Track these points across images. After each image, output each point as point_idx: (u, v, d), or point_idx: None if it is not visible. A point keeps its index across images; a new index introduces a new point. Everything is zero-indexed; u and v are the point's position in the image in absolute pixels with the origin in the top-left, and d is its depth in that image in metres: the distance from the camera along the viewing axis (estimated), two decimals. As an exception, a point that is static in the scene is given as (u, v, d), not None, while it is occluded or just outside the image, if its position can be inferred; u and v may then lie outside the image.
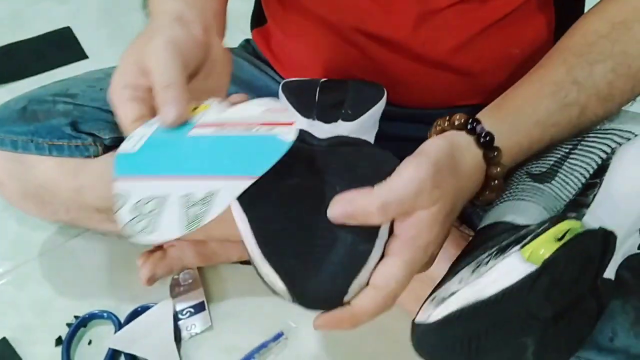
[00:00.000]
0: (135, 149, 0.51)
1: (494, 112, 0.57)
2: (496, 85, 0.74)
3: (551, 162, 0.57)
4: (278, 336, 0.86)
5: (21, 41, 1.40)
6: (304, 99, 0.65)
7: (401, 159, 0.77)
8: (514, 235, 0.50)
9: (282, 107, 0.57)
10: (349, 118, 0.62)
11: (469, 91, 0.75)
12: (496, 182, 0.55)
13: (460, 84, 0.74)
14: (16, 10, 1.49)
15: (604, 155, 0.56)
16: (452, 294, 0.48)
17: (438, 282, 0.53)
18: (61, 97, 0.79)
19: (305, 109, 0.62)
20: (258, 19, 0.88)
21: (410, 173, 0.48)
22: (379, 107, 0.66)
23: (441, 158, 0.50)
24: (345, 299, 0.49)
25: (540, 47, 0.73)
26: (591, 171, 0.56)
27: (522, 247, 0.47)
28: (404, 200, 0.47)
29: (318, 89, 0.67)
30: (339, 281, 0.48)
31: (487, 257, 0.49)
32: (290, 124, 0.49)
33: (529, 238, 0.48)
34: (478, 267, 0.49)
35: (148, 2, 0.64)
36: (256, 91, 0.83)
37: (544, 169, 0.57)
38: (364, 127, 0.63)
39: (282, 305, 0.88)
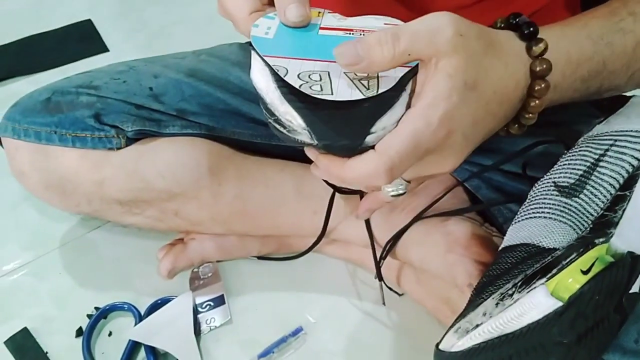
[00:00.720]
0: (270, 36, 0.51)
1: (548, 25, 0.54)
2: None
3: (580, 172, 0.55)
4: (297, 331, 0.86)
5: (42, 33, 1.41)
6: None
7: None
8: (540, 263, 0.49)
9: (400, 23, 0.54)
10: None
11: None
12: (537, 101, 0.51)
13: None
14: (37, 2, 1.50)
15: (635, 162, 0.54)
16: (477, 326, 0.48)
17: (462, 311, 0.52)
18: (85, 89, 0.79)
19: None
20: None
21: (433, 15, 0.45)
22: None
23: (471, 24, 0.47)
24: (369, 140, 0.47)
25: None
26: (621, 181, 0.54)
27: (548, 279, 0.47)
28: (419, 31, 0.44)
29: None
30: (363, 119, 0.46)
31: (512, 287, 0.49)
32: None
33: (554, 270, 0.47)
34: (502, 299, 0.49)
35: None
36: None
37: (572, 180, 0.55)
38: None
39: (301, 300, 0.89)
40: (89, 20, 1.45)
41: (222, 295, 0.89)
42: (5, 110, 0.81)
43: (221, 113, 0.81)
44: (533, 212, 0.54)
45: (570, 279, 0.46)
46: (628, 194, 0.52)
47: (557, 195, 0.54)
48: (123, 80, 0.81)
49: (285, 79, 0.47)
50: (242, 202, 0.83)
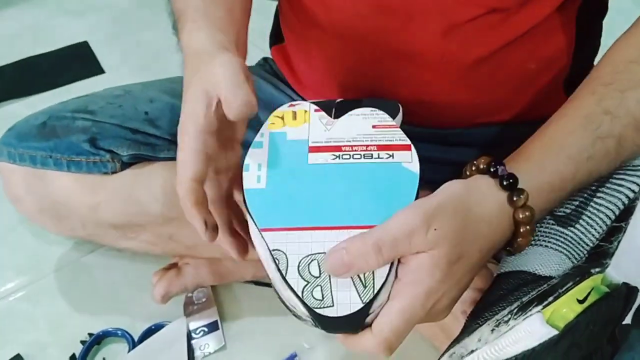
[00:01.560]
0: (263, 184, 0.53)
1: (522, 152, 0.55)
2: (508, 99, 0.74)
3: (576, 203, 0.54)
4: (291, 357, 0.85)
5: (38, 55, 1.42)
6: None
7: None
8: (536, 291, 0.49)
9: (389, 121, 0.57)
10: None
11: (484, 108, 0.75)
12: (527, 227, 0.51)
13: (477, 100, 0.74)
14: (33, 25, 1.52)
15: (631, 195, 0.53)
16: (472, 352, 0.48)
17: (456, 336, 0.52)
18: (80, 114, 0.79)
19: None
20: (277, 37, 0.89)
21: (405, 214, 0.47)
22: (396, 123, 0.65)
23: (445, 202, 0.48)
24: (369, 320, 0.49)
25: (557, 64, 0.73)
26: (617, 212, 0.53)
27: (544, 307, 0.47)
28: (397, 239, 0.47)
29: (334, 111, 0.67)
30: (362, 313, 0.48)
31: (507, 314, 0.49)
32: (408, 146, 0.53)
33: (551, 298, 0.47)
34: (498, 325, 0.49)
35: (179, 33, 0.65)
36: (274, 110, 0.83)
37: (569, 211, 0.54)
38: None
39: (295, 326, 0.87)
40: (86, 42, 1.45)
41: (217, 321, 0.89)
42: (1, 132, 0.81)
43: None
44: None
45: (566, 308, 0.46)
46: (624, 225, 0.52)
47: (553, 224, 0.54)
48: (119, 105, 0.81)
49: (286, 278, 0.49)
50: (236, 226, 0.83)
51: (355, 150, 0.54)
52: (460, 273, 0.50)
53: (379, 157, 0.53)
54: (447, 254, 0.48)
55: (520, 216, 0.51)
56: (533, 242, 0.54)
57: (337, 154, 0.53)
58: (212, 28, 0.60)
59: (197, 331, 0.88)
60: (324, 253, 0.49)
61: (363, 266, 0.47)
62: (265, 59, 0.94)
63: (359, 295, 0.48)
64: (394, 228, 0.47)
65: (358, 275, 0.48)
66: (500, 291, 0.52)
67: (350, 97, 0.73)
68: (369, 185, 0.51)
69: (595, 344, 0.47)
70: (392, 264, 0.48)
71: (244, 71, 0.55)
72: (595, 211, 0.53)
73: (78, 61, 1.41)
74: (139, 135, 0.78)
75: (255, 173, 0.53)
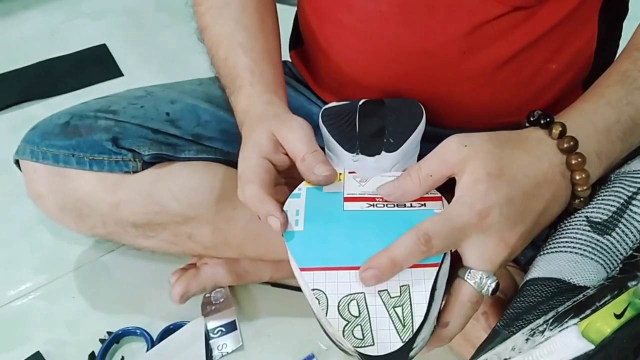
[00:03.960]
0: (301, 227, 0.55)
1: (566, 109, 0.58)
2: (528, 100, 0.74)
3: (613, 209, 0.54)
4: (309, 358, 0.85)
5: (57, 58, 1.43)
6: (344, 131, 0.66)
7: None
8: (572, 301, 0.49)
9: None
10: (391, 148, 0.62)
11: (504, 108, 0.75)
12: (578, 159, 0.53)
13: (497, 100, 0.74)
14: (52, 27, 1.53)
15: None
16: None
17: (486, 340, 0.51)
18: (103, 113, 0.79)
19: (347, 143, 0.63)
20: (296, 41, 0.89)
21: (442, 144, 0.53)
22: (420, 129, 0.65)
23: (481, 134, 0.53)
24: (412, 354, 0.50)
25: (577, 64, 0.73)
26: None
27: (581, 319, 0.47)
28: (432, 158, 0.52)
29: (357, 117, 0.67)
30: (405, 349, 0.49)
31: (543, 323, 0.48)
32: (439, 198, 0.54)
33: (588, 311, 0.47)
34: (533, 334, 0.48)
35: (230, 91, 0.71)
36: (293, 112, 0.84)
37: (605, 217, 0.54)
38: (407, 154, 0.63)
39: (313, 327, 0.87)
40: (104, 45, 1.46)
41: (234, 321, 0.89)
42: (21, 133, 0.82)
43: (236, 138, 0.81)
44: (564, 246, 0.54)
45: (601, 322, 0.46)
46: None
47: (589, 232, 0.54)
48: (140, 105, 0.81)
49: (327, 318, 0.50)
50: (255, 227, 0.83)
51: (389, 202, 0.56)
52: (508, 189, 0.51)
53: (411, 207, 0.55)
54: (486, 166, 0.50)
55: (564, 145, 0.53)
56: (569, 250, 0.53)
57: (371, 203, 0.56)
58: (271, 94, 0.67)
59: (215, 331, 0.88)
60: (363, 293, 0.51)
61: (407, 183, 0.53)
62: (284, 62, 0.94)
63: (398, 335, 0.49)
64: (431, 152, 0.53)
65: (397, 314, 0.50)
66: (534, 298, 0.52)
67: (371, 96, 0.74)
68: (403, 227, 0.51)
69: (622, 355, 0.47)
70: (430, 304, 0.50)
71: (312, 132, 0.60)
72: (630, 219, 0.53)
73: (96, 64, 1.42)
74: (160, 135, 0.79)
75: (293, 217, 0.56)
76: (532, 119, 0.56)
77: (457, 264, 0.53)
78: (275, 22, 0.79)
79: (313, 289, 0.51)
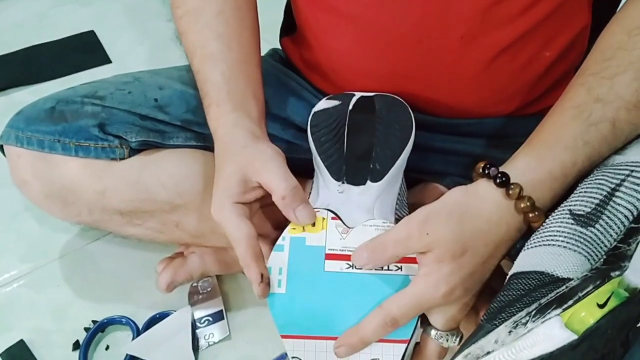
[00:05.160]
0: (283, 289, 0.60)
1: (522, 148, 0.59)
2: (523, 88, 0.74)
3: (596, 201, 0.54)
4: (297, 348, 0.85)
5: (45, 44, 1.42)
6: (332, 150, 0.67)
7: (425, 171, 0.77)
8: (555, 293, 0.49)
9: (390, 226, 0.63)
10: (377, 177, 0.64)
11: (498, 96, 0.75)
12: (535, 213, 0.55)
13: (492, 88, 0.73)
14: (40, 13, 1.51)
15: None
16: (488, 353, 0.49)
17: (470, 335, 0.52)
18: (89, 99, 0.78)
19: (334, 166, 0.65)
20: (288, 28, 0.88)
21: (400, 225, 0.56)
22: (407, 150, 0.67)
23: (438, 209, 0.55)
24: None
25: (572, 52, 0.73)
26: (635, 213, 0.53)
27: (563, 310, 0.47)
28: (398, 240, 0.55)
29: (346, 130, 0.68)
30: None
31: (525, 315, 0.49)
32: (414, 260, 0.57)
33: (570, 302, 0.47)
34: (515, 327, 0.49)
35: (205, 109, 0.72)
36: (284, 97, 0.83)
37: (588, 209, 0.54)
38: (392, 179, 0.65)
39: (301, 316, 0.88)
40: (92, 32, 1.45)
41: (221, 311, 0.88)
42: (6, 119, 0.81)
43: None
44: (547, 240, 0.53)
45: (585, 312, 0.46)
46: None
47: (572, 224, 0.54)
48: (128, 91, 0.80)
49: None
50: None
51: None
52: (470, 265, 0.55)
53: (387, 269, 0.59)
54: (449, 250, 0.53)
55: (522, 206, 0.55)
56: (551, 243, 0.53)
57: (350, 263, 0.60)
58: (238, 112, 0.68)
59: (202, 320, 0.87)
60: None
61: (379, 257, 0.57)
62: (274, 50, 0.94)
63: None
64: (391, 234, 0.56)
65: None
66: (517, 291, 0.52)
67: (365, 83, 0.73)
68: (377, 296, 0.57)
69: (609, 346, 0.46)
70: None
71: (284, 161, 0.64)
72: (614, 211, 0.53)
73: (84, 50, 1.40)
74: (148, 122, 0.78)
75: (276, 276, 0.60)
76: (486, 172, 0.56)
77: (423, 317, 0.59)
78: (255, 19, 0.78)
79: (292, 357, 0.59)
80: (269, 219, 0.68)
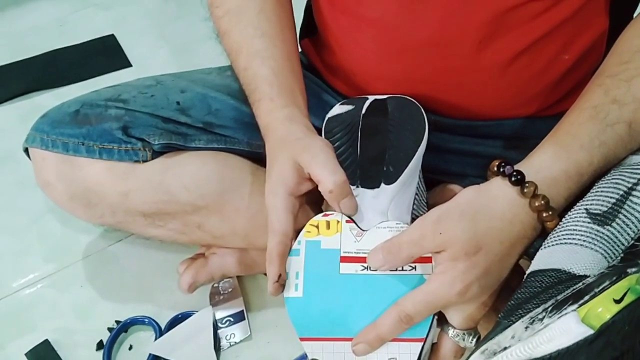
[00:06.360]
0: (300, 292, 0.60)
1: (538, 147, 0.59)
2: (541, 91, 0.74)
3: (613, 200, 0.54)
4: (317, 349, 0.85)
5: (66, 48, 1.43)
6: (346, 154, 0.67)
7: (443, 172, 0.77)
8: (571, 289, 0.49)
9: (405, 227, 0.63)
10: (391, 179, 0.64)
11: (517, 100, 0.75)
12: (549, 213, 0.55)
13: (511, 91, 0.74)
14: (60, 17, 1.53)
15: None
16: (504, 348, 0.49)
17: (488, 332, 0.52)
18: (113, 102, 0.79)
19: (348, 173, 0.64)
20: (308, 30, 0.89)
21: (413, 227, 0.57)
22: (420, 151, 0.67)
23: (451, 209, 0.55)
24: None
25: (590, 55, 0.73)
26: None
27: (579, 305, 0.47)
28: (412, 241, 0.56)
29: (359, 134, 0.68)
30: None
31: (542, 312, 0.49)
32: (429, 260, 0.58)
33: (587, 297, 0.47)
34: (532, 322, 0.49)
35: (252, 105, 0.73)
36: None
37: (605, 208, 0.54)
38: (406, 181, 0.65)
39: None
40: (112, 36, 1.46)
41: (242, 311, 0.89)
42: (29, 123, 0.82)
43: (247, 126, 0.81)
44: (564, 238, 0.54)
45: (601, 308, 0.46)
46: None
47: (589, 223, 0.54)
48: (151, 95, 0.81)
49: None
50: (264, 217, 0.83)
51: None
52: (485, 263, 0.55)
53: (402, 269, 0.59)
54: (463, 248, 0.54)
55: (536, 204, 0.55)
56: (569, 241, 0.54)
57: (365, 264, 0.60)
58: (290, 106, 0.69)
59: (223, 321, 0.88)
60: None
61: (396, 257, 0.57)
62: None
63: None
64: (406, 235, 0.57)
65: None
66: (534, 289, 0.52)
67: (384, 86, 0.74)
68: (393, 296, 0.57)
69: (628, 343, 0.46)
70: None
71: (334, 154, 0.64)
72: (631, 210, 0.53)
73: (105, 54, 1.42)
74: (171, 125, 0.79)
75: (293, 280, 0.61)
76: (501, 170, 0.57)
77: (441, 315, 0.59)
78: (291, 18, 0.80)
79: (312, 359, 0.59)
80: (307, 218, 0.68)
